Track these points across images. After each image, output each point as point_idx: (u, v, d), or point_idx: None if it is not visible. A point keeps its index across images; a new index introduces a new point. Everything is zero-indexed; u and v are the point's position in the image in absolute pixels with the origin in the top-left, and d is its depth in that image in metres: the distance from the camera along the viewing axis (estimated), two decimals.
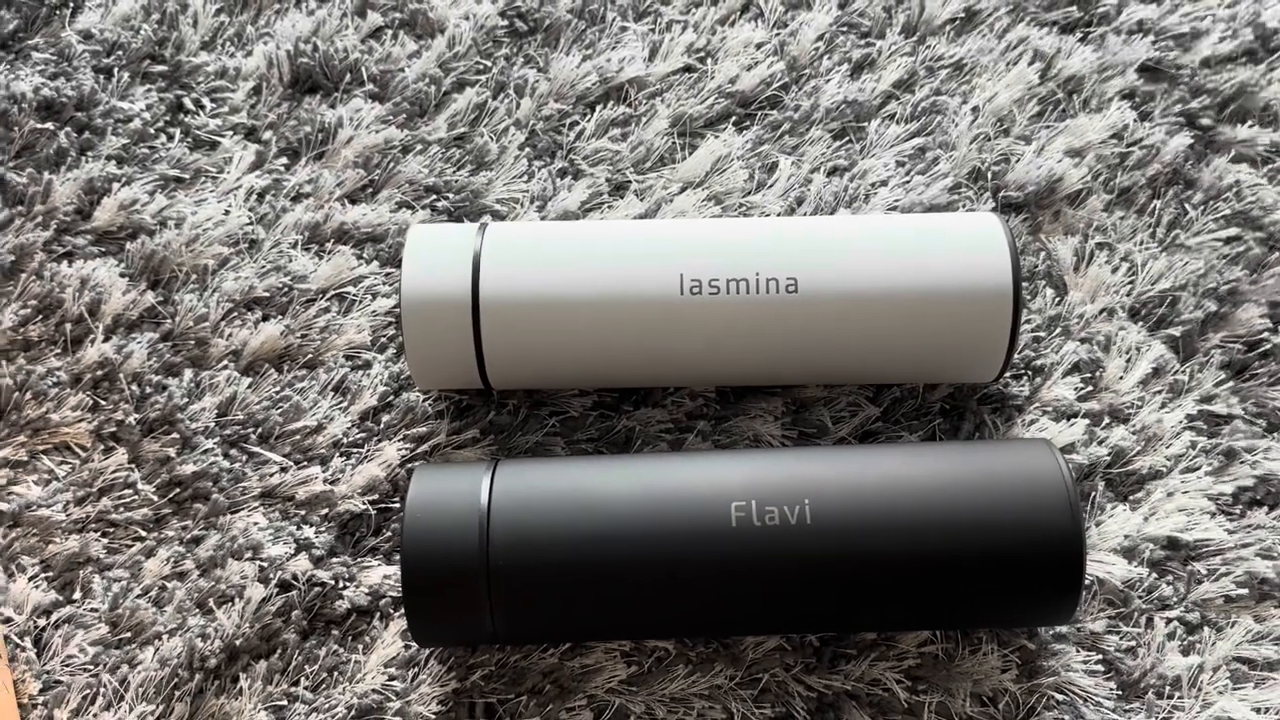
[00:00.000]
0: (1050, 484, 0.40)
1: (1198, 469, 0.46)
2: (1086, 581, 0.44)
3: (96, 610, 0.44)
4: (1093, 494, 0.46)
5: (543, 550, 0.39)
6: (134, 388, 0.48)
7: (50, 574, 0.45)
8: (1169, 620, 0.44)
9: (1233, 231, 0.50)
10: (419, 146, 0.53)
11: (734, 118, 0.54)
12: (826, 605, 0.40)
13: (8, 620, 0.44)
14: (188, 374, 0.48)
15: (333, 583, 0.45)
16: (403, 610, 0.43)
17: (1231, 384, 0.48)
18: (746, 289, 0.44)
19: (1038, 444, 0.41)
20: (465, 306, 0.44)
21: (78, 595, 0.45)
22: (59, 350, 0.49)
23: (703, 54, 0.55)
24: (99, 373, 0.48)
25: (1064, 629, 0.44)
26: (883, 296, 0.43)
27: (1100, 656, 0.43)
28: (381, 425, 0.48)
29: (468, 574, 0.39)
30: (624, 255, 0.44)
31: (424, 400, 0.48)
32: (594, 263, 0.44)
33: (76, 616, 0.44)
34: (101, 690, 0.43)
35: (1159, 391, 0.48)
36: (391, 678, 0.43)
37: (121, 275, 0.50)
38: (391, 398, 0.48)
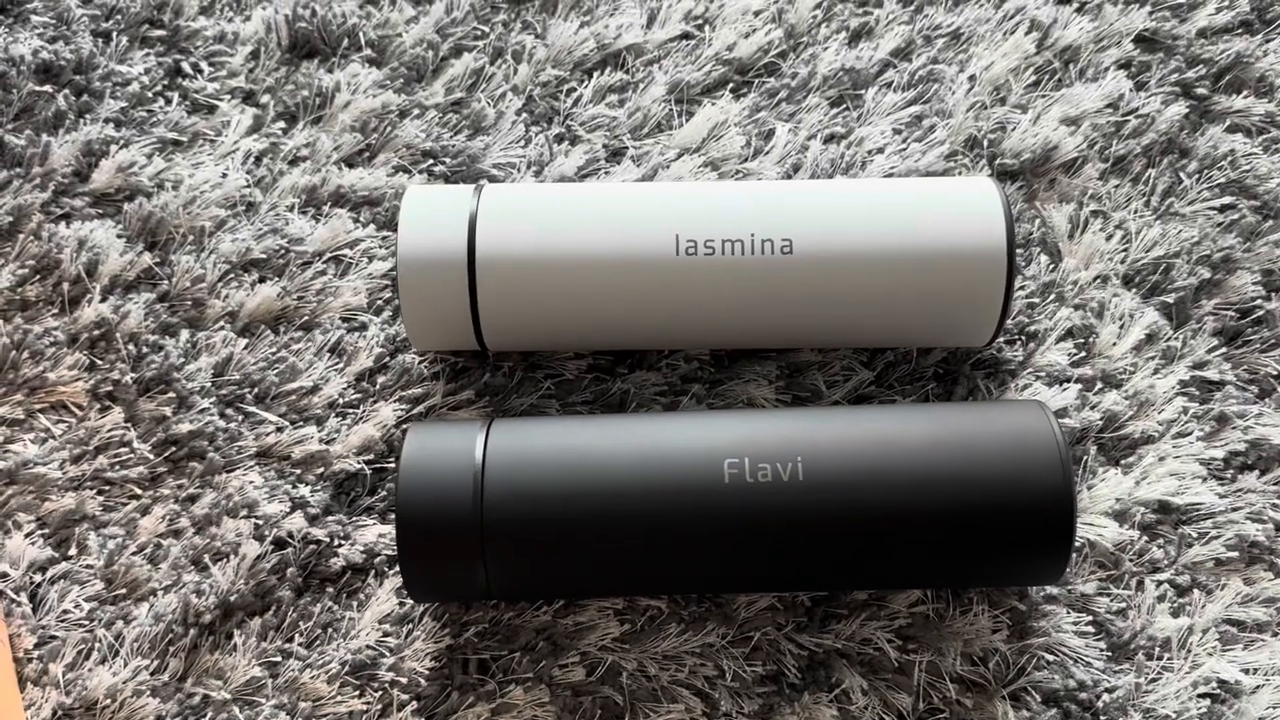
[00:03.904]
0: (1042, 442, 0.40)
1: (1189, 434, 0.46)
2: (1077, 544, 0.44)
3: (92, 566, 0.44)
4: (1084, 458, 0.46)
5: (536, 506, 0.40)
6: (130, 347, 0.48)
7: (46, 531, 0.45)
8: (1159, 583, 0.44)
9: (1227, 200, 0.50)
10: (416, 111, 0.53)
11: (731, 85, 0.54)
12: (818, 561, 0.40)
13: (3, 576, 0.44)
14: (184, 334, 0.48)
15: (328, 540, 0.45)
16: (397, 567, 0.43)
17: (1224, 350, 0.48)
18: (741, 250, 0.44)
19: (1030, 404, 0.42)
20: (461, 266, 0.44)
21: (73, 552, 0.45)
22: (56, 310, 0.49)
23: (701, 21, 0.55)
24: (95, 332, 0.48)
25: (1054, 591, 0.44)
26: (877, 258, 0.44)
27: (1091, 618, 0.43)
28: (377, 386, 0.48)
29: (462, 529, 0.40)
30: (619, 216, 0.44)
31: (420, 362, 0.48)
32: (589, 223, 0.44)
33: (72, 573, 0.44)
34: (96, 645, 0.43)
35: (1152, 357, 0.48)
36: (386, 634, 0.43)
37: (119, 236, 0.50)
38: (387, 359, 0.48)
